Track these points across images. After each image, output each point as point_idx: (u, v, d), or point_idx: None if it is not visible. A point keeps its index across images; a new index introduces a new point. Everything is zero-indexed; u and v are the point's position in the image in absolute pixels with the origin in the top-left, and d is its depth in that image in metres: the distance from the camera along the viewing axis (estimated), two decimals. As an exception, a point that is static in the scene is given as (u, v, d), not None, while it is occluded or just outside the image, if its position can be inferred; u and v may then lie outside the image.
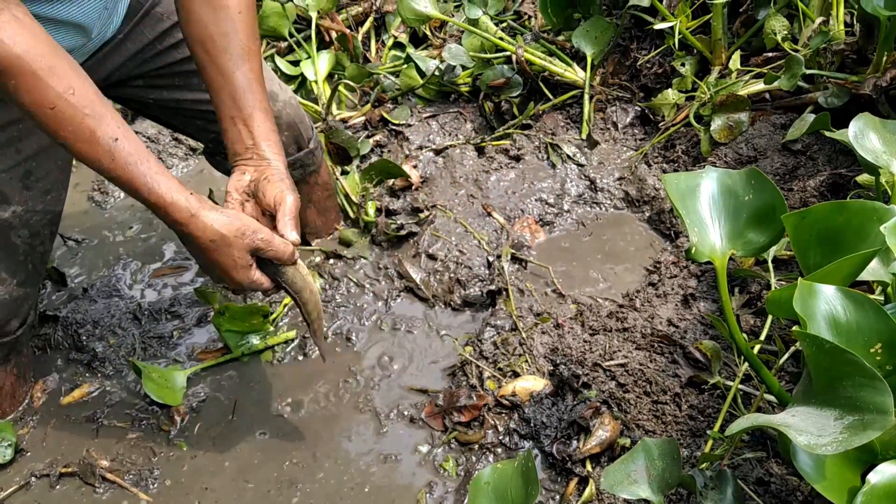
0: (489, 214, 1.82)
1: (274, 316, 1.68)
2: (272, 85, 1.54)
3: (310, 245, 1.83)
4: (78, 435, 1.50)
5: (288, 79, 2.33)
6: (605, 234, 1.79)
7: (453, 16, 2.35)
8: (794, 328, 0.84)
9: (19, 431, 1.51)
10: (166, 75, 1.47)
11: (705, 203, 1.07)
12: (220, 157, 1.66)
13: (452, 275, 1.69)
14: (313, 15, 2.30)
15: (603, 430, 1.30)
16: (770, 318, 1.35)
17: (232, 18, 1.23)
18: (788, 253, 1.49)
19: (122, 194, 2.10)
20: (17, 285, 1.38)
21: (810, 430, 0.78)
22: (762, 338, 1.33)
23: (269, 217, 1.26)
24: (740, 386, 1.30)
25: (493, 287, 1.64)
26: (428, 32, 2.37)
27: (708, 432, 1.26)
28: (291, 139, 1.62)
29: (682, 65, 1.87)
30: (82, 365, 1.63)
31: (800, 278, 0.89)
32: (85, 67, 1.26)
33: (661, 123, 1.89)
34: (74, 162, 1.54)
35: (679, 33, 1.79)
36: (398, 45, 2.41)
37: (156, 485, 1.40)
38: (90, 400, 1.57)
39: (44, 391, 1.58)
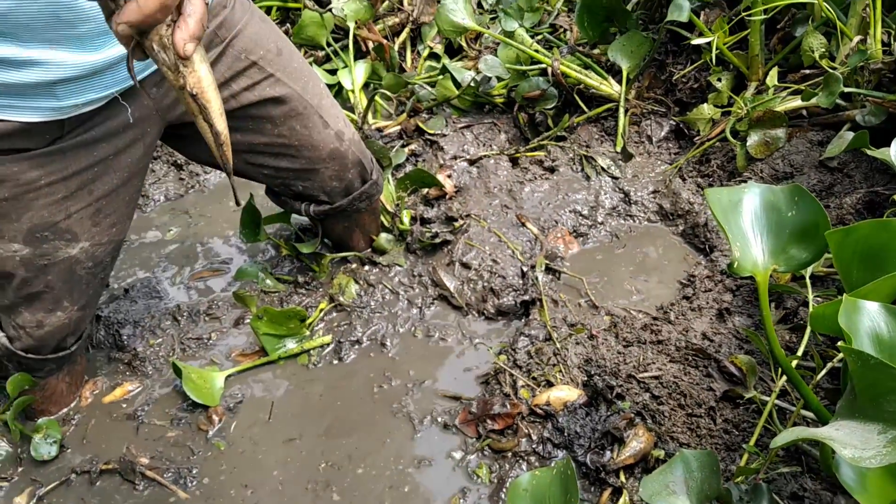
0: (523, 225, 1.84)
1: (310, 320, 1.70)
2: (338, 123, 1.55)
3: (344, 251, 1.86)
4: (119, 433, 1.54)
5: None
6: (638, 246, 1.80)
7: (489, 27, 2.38)
8: (839, 343, 0.85)
9: (63, 428, 1.54)
10: (240, 117, 1.44)
11: (748, 218, 1.08)
12: (286, 197, 1.68)
13: (486, 284, 1.71)
14: (351, 25, 2.34)
15: (637, 442, 1.31)
16: (807, 333, 1.36)
17: None
18: (825, 269, 1.49)
19: (163, 197, 2.15)
20: (78, 310, 1.43)
21: (854, 444, 0.79)
22: (799, 353, 1.33)
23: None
24: (776, 401, 1.30)
25: (526, 297, 1.66)
26: (464, 44, 2.40)
27: (743, 446, 1.26)
28: (357, 175, 1.63)
29: (719, 80, 1.88)
30: (123, 364, 1.67)
31: (844, 294, 0.90)
32: (153, 98, 1.30)
33: (697, 138, 1.90)
34: None
35: (716, 49, 1.80)
36: (434, 56, 2.44)
37: (194, 483, 1.43)
38: (131, 398, 1.60)
39: (92, 392, 1.61)
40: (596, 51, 2.11)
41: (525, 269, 1.72)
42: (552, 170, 1.97)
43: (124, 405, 1.59)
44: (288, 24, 2.53)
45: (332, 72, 2.39)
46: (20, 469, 1.48)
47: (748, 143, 1.75)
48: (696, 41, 1.82)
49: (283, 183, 1.61)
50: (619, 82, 1.99)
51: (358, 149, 1.62)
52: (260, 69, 1.41)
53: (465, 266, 1.75)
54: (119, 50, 1.16)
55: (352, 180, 1.63)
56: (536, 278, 1.68)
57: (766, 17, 1.78)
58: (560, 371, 1.48)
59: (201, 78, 0.86)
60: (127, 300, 1.81)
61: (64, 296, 1.39)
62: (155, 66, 1.23)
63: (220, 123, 0.93)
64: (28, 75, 1.10)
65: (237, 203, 1.12)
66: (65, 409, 1.58)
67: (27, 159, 1.21)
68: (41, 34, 1.08)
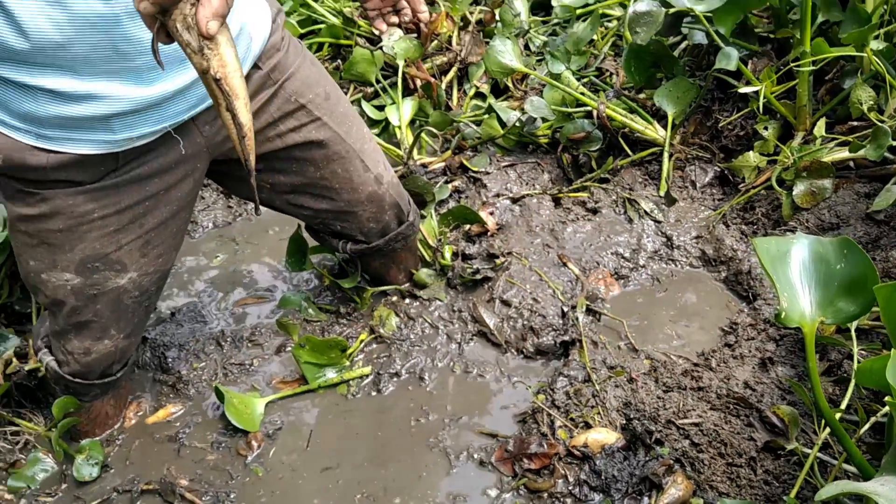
0: (564, 265, 1.85)
1: (351, 351, 1.73)
2: (378, 167, 1.58)
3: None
4: (160, 454, 1.57)
5: (372, 122, 2.41)
6: (680, 291, 1.80)
7: (535, 69, 2.41)
8: (886, 398, 0.84)
9: (106, 448, 1.58)
10: (284, 158, 1.47)
11: (796, 269, 1.08)
12: (325, 234, 1.71)
13: (526, 322, 1.72)
14: (400, 63, 2.39)
15: (676, 489, 1.30)
16: (851, 386, 1.34)
17: None
18: (870, 322, 1.48)
19: (211, 224, 2.20)
20: (124, 338, 1.47)
21: (902, 502, 0.78)
22: (843, 406, 1.32)
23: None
24: (818, 454, 1.29)
25: (566, 337, 1.66)
26: (510, 84, 2.44)
27: (784, 498, 1.25)
28: (394, 216, 1.66)
29: (765, 128, 1.88)
30: (167, 386, 1.70)
31: (893, 350, 0.90)
32: (205, 135, 1.33)
33: (742, 185, 1.90)
34: None
35: (763, 98, 1.81)
36: (479, 95, 2.48)
37: (232, 507, 1.45)
38: (173, 420, 1.64)
39: (136, 413, 1.65)
40: (642, 95, 2.13)
41: (565, 309, 1.73)
42: (595, 211, 1.98)
43: (167, 427, 1.62)
44: (339, 61, 2.60)
45: (380, 108, 2.44)
46: (64, 486, 1.52)
47: (794, 193, 1.75)
48: (744, 89, 1.83)
49: (323, 222, 1.65)
50: (665, 127, 2.00)
51: (396, 192, 1.65)
52: (308, 112, 1.44)
53: (506, 303, 1.77)
54: (173, 85, 1.19)
55: (388, 222, 1.66)
56: (577, 319, 1.69)
57: (814, 68, 1.79)
58: (598, 413, 1.48)
59: (226, 62, 0.82)
60: (173, 323, 1.85)
61: (111, 324, 1.42)
62: (208, 103, 1.27)
63: (244, 114, 0.88)
64: (85, 109, 1.13)
65: (257, 210, 1.12)
66: (109, 431, 1.62)
67: (82, 192, 1.25)
68: (99, 67, 1.10)
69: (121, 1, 1.04)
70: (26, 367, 1.61)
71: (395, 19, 1.43)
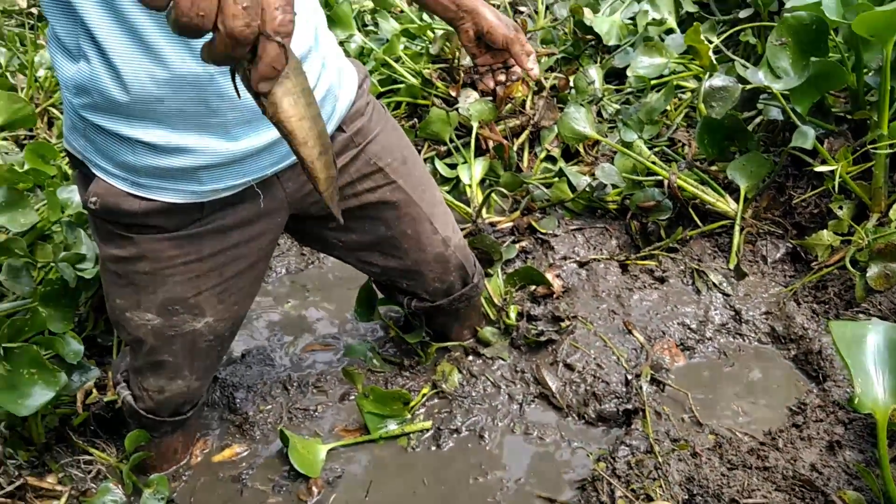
0: (630, 332, 1.86)
1: (413, 404, 1.75)
2: (447, 230, 1.62)
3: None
4: (224, 493, 1.61)
5: (444, 180, 2.48)
6: (747, 367, 1.78)
7: (607, 136, 2.45)
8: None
9: (172, 484, 1.63)
10: (358, 217, 1.52)
11: (871, 355, 1.07)
12: (396, 291, 1.76)
13: (589, 387, 1.72)
14: (474, 124, 2.46)
15: (737, 570, 1.28)
16: (926, 479, 1.30)
17: None
18: (947, 413, 1.44)
19: (284, 270, 2.28)
20: (196, 380, 1.52)
21: None
22: (916, 499, 1.28)
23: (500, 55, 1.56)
24: (889, 546, 1.25)
25: (629, 406, 1.66)
26: (581, 149, 2.48)
27: (852, 590, 1.21)
28: (459, 277, 1.70)
29: (840, 208, 1.87)
30: (234, 426, 1.75)
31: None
32: (287, 191, 1.38)
33: (814, 263, 1.88)
34: None
35: (839, 177, 1.81)
36: (550, 158, 2.53)
37: (290, 552, 1.48)
38: (238, 460, 1.68)
39: (202, 451, 1.70)
40: (714, 167, 2.15)
41: (629, 376, 1.73)
42: (662, 280, 1.98)
43: (231, 466, 1.67)
44: (416, 119, 2.69)
45: (452, 166, 2.51)
46: (131, 516, 1.57)
47: (868, 275, 1.73)
48: (819, 168, 1.83)
49: (390, 279, 1.69)
50: (736, 200, 2.01)
51: (462, 254, 1.69)
52: (385, 175, 1.49)
53: (569, 367, 1.77)
54: (258, 141, 1.24)
55: (453, 282, 1.70)
56: (641, 388, 1.69)
57: (891, 151, 1.78)
58: (660, 486, 1.47)
59: (282, 110, 0.87)
60: (243, 365, 1.91)
61: (185, 366, 1.48)
62: (291, 160, 1.32)
63: (305, 151, 0.92)
64: (176, 160, 1.20)
65: (338, 220, 1.07)
66: (175, 466, 1.67)
67: (168, 239, 1.31)
68: (191, 121, 1.16)
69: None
70: (105, 399, 1.68)
71: (502, 77, 1.54)
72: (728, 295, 1.91)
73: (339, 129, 1.42)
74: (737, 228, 1.97)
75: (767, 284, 1.93)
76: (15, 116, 2.17)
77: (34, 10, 3.87)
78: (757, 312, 1.87)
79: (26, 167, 2.09)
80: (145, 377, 1.50)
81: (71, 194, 1.95)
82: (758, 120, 2.19)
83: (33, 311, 1.57)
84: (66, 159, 2.18)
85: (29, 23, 3.82)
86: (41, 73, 3.04)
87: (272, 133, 1.25)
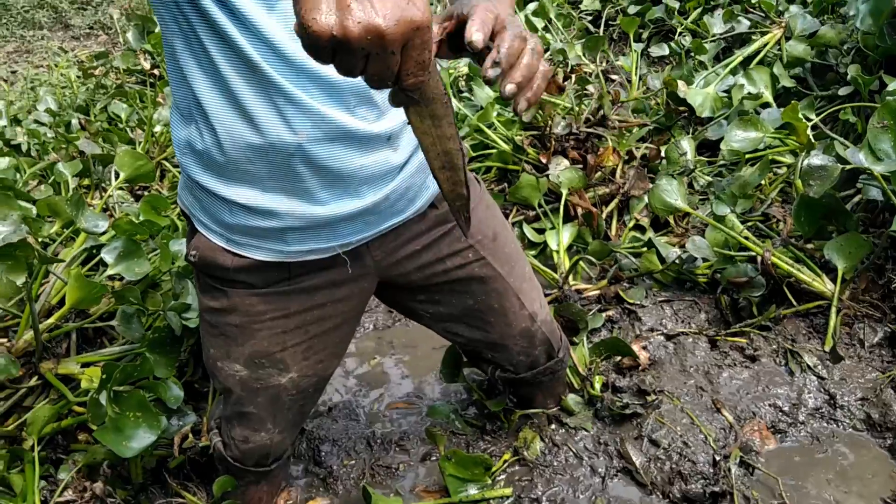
0: (718, 410, 1.82)
1: (494, 469, 1.76)
2: (534, 305, 1.63)
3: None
4: (306, 545, 1.64)
5: (531, 244, 2.51)
6: (840, 454, 1.71)
7: (698, 208, 2.44)
8: None
9: (257, 530, 1.67)
10: (446, 290, 1.54)
11: (980, 456, 1.03)
12: (481, 360, 1.77)
13: (674, 466, 1.69)
14: (564, 191, 2.49)
15: None
16: None
17: None
18: None
19: (372, 326, 2.34)
20: (279, 433, 1.57)
21: None
22: None
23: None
24: None
25: (716, 488, 1.62)
26: (671, 220, 2.47)
27: None
28: (544, 352, 1.71)
29: (945, 294, 1.81)
30: (318, 479, 1.80)
31: None
32: (375, 259, 1.41)
33: (916, 350, 1.82)
34: None
35: (944, 262, 1.75)
36: (639, 227, 2.53)
37: None
38: (321, 514, 1.72)
39: (287, 501, 1.74)
40: (810, 245, 2.11)
41: (717, 457, 1.69)
42: (753, 358, 1.95)
43: (314, 519, 1.71)
44: (505, 184, 2.74)
45: (540, 231, 2.54)
46: (216, 561, 1.62)
47: (976, 365, 1.66)
48: (923, 252, 1.78)
49: (474, 350, 1.71)
50: (833, 280, 1.96)
51: (548, 329, 1.69)
52: (474, 251, 1.51)
53: (654, 443, 1.75)
54: (341, 208, 1.27)
55: (538, 356, 1.70)
56: (729, 470, 1.65)
57: None
58: (747, 575, 1.42)
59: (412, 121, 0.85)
60: (329, 418, 1.96)
61: (268, 418, 1.53)
62: (378, 230, 1.37)
63: (427, 158, 0.90)
64: (265, 221, 1.26)
65: (465, 234, 1.05)
66: (261, 515, 1.72)
67: (257, 294, 1.37)
68: (279, 184, 1.23)
69: (303, 131, 1.19)
70: (199, 444, 1.75)
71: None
72: (823, 378, 1.86)
73: (433, 205, 1.45)
74: (833, 310, 1.92)
75: (864, 369, 1.87)
76: (137, 172, 2.34)
77: (156, 72, 4.16)
78: (852, 398, 1.81)
79: (142, 218, 2.24)
80: (233, 426, 1.56)
81: (181, 246, 2.07)
82: (857, 199, 2.15)
83: (142, 356, 1.66)
84: (178, 212, 2.32)
85: (150, 81, 4.10)
86: (157, 128, 3.25)
87: (357, 202, 1.29)
